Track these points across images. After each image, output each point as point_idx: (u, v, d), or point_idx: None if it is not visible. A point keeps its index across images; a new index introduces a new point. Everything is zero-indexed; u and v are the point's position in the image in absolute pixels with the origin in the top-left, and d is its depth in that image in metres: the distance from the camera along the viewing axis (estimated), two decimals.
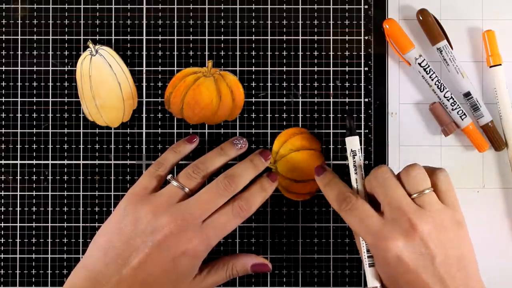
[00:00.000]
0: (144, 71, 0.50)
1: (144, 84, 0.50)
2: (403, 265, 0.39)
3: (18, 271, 0.50)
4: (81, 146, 0.50)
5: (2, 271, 0.50)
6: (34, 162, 0.50)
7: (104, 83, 0.49)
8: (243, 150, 0.48)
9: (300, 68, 0.50)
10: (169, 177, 0.45)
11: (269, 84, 0.50)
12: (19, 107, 0.50)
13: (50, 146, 0.50)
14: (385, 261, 0.40)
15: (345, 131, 0.46)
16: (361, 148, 0.46)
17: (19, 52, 0.50)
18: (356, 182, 0.44)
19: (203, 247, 0.43)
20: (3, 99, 0.50)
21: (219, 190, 0.43)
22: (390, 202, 0.41)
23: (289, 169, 0.49)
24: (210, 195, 0.43)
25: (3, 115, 0.50)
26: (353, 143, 0.45)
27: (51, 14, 0.50)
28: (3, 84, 0.50)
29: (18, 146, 0.50)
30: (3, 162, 0.50)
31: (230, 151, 0.47)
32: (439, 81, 0.49)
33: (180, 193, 0.44)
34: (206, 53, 0.50)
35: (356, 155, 0.45)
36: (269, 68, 0.50)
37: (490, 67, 0.49)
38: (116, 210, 0.44)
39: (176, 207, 0.43)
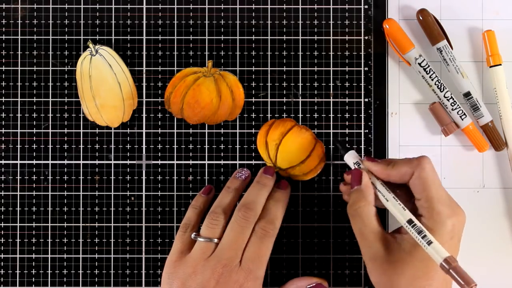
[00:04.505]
0: (144, 71, 0.50)
1: (144, 84, 0.50)
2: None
3: (18, 271, 0.50)
4: (81, 146, 0.50)
5: (2, 271, 0.50)
6: (34, 162, 0.50)
7: (104, 83, 0.49)
8: (248, 179, 0.49)
9: (300, 68, 0.50)
10: (193, 236, 0.45)
11: (269, 84, 0.50)
12: (19, 107, 0.50)
13: (50, 146, 0.50)
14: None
15: (339, 153, 0.47)
16: (360, 156, 0.47)
17: (19, 52, 0.50)
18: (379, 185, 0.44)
19: (251, 282, 0.43)
20: (3, 99, 0.50)
21: (240, 223, 0.44)
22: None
23: (288, 160, 0.49)
24: (234, 232, 0.44)
25: (3, 115, 0.50)
26: (351, 158, 0.46)
27: (51, 14, 0.50)
28: (3, 84, 0.50)
29: (18, 146, 0.50)
30: (3, 162, 0.50)
31: (236, 185, 0.48)
32: (439, 81, 0.49)
33: (210, 245, 0.44)
34: (206, 53, 0.50)
35: (360, 165, 0.45)
36: (269, 68, 0.50)
37: (490, 67, 0.49)
38: (162, 283, 0.45)
39: (212, 258, 0.44)
